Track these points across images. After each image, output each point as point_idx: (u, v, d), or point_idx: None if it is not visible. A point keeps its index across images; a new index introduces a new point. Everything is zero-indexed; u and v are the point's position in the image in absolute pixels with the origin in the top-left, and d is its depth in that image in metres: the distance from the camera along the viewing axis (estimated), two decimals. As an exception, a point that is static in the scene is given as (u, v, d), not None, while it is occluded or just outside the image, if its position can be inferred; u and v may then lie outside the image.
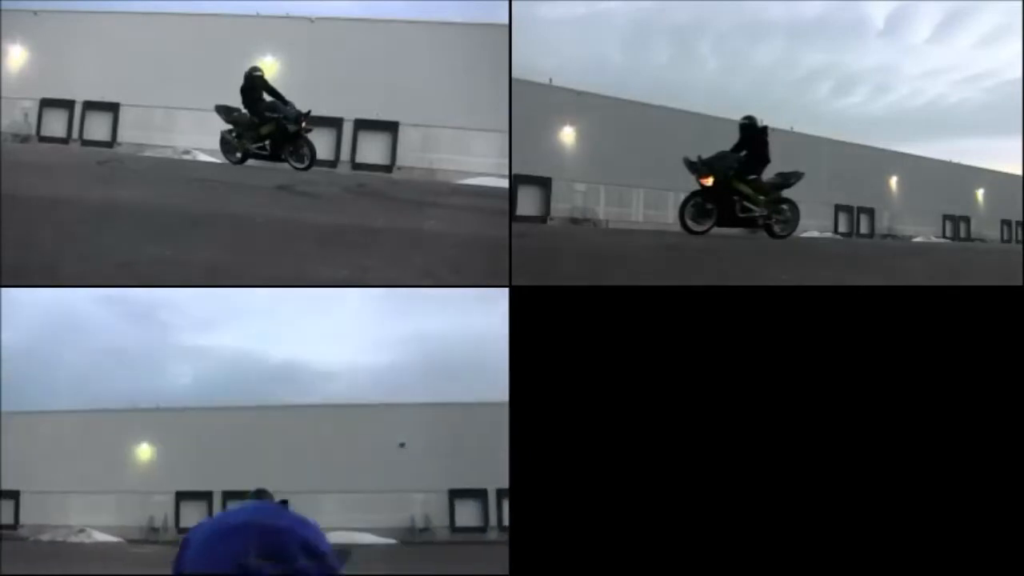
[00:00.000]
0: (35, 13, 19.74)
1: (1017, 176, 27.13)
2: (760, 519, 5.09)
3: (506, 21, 15.01)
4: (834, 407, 5.15)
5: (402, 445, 19.39)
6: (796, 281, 6.63)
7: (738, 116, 12.39)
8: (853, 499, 5.11)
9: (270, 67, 17.41)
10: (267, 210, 8.61)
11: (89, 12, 19.69)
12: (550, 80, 20.22)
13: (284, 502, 3.39)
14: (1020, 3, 19.61)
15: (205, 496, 19.31)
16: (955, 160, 30.05)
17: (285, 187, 11.00)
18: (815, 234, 21.58)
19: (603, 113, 20.70)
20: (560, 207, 20.04)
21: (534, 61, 19.65)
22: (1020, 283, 7.29)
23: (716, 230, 11.85)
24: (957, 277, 8.16)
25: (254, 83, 14.23)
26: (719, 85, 30.82)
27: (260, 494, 4.05)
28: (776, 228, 12.13)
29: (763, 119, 12.25)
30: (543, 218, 19.47)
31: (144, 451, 20.24)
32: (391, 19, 18.90)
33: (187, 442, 19.92)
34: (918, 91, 40.02)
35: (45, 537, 19.75)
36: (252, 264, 5.64)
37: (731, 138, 12.24)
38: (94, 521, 19.50)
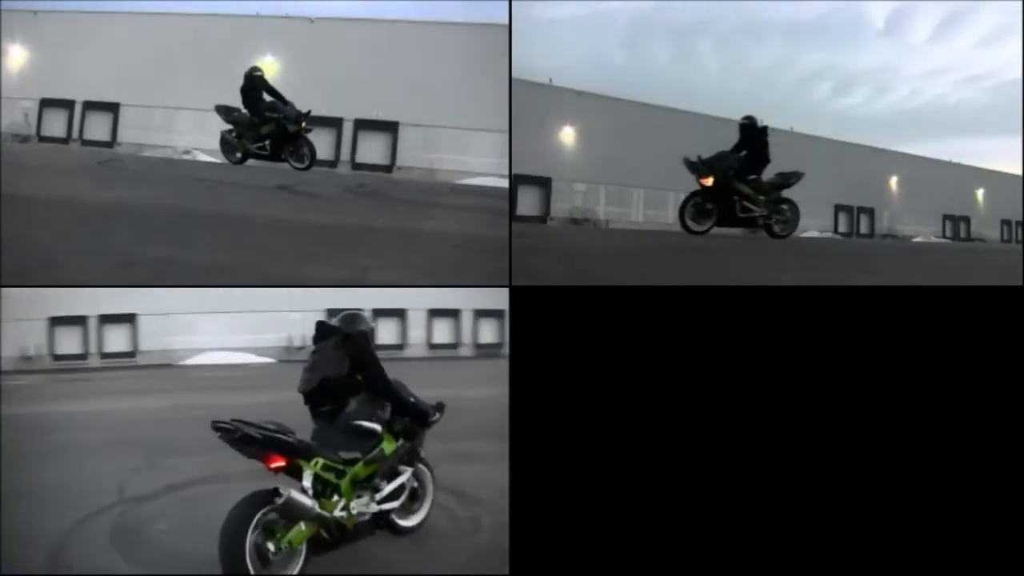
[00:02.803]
0: (35, 13, 19.72)
1: (1017, 176, 27.09)
2: (760, 518, 5.09)
3: (506, 21, 15.00)
4: (835, 407, 5.15)
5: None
6: (796, 281, 6.63)
7: (738, 116, 12.37)
8: (854, 498, 5.11)
9: (270, 67, 17.35)
10: (267, 210, 8.61)
11: (89, 12, 19.64)
12: (550, 80, 20.20)
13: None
14: (1020, 3, 19.60)
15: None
16: (955, 160, 30.04)
17: (285, 187, 11.01)
18: (815, 234, 21.56)
19: (603, 113, 20.68)
20: (560, 207, 20.03)
21: (534, 61, 19.44)
22: (1020, 283, 7.29)
23: (716, 230, 11.85)
24: (957, 277, 8.15)
25: (254, 83, 14.20)
26: (719, 85, 30.73)
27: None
28: (776, 228, 12.13)
29: (763, 119, 12.23)
30: (543, 218, 19.44)
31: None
32: (391, 19, 18.85)
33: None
34: (918, 91, 39.83)
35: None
36: (252, 264, 5.64)
37: (731, 138, 12.23)
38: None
